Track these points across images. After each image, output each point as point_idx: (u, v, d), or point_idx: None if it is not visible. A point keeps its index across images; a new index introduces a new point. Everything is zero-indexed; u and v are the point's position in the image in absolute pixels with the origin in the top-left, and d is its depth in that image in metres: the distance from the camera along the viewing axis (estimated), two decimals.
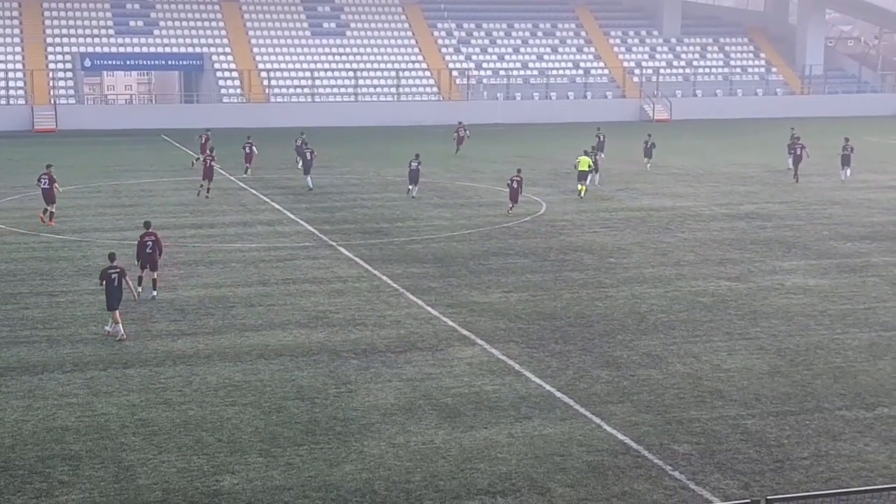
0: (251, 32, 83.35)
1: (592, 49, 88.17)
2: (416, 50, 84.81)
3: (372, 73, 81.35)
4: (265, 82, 78.80)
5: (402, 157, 53.15)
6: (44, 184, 35.06)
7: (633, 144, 52.53)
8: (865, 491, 11.04)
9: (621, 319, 23.18)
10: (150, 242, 24.91)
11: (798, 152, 46.57)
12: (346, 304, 24.39)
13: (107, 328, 21.92)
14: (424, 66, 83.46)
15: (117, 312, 21.65)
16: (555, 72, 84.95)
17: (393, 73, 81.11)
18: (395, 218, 36.39)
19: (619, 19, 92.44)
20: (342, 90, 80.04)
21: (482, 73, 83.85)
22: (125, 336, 21.48)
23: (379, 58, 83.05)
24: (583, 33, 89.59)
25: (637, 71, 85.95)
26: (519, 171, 38.19)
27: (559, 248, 31.19)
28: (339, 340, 21.48)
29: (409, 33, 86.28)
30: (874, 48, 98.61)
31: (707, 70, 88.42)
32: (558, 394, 18.25)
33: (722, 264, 28.83)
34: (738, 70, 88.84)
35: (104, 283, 21.71)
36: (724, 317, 23.37)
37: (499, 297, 25.13)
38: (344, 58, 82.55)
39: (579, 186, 41.33)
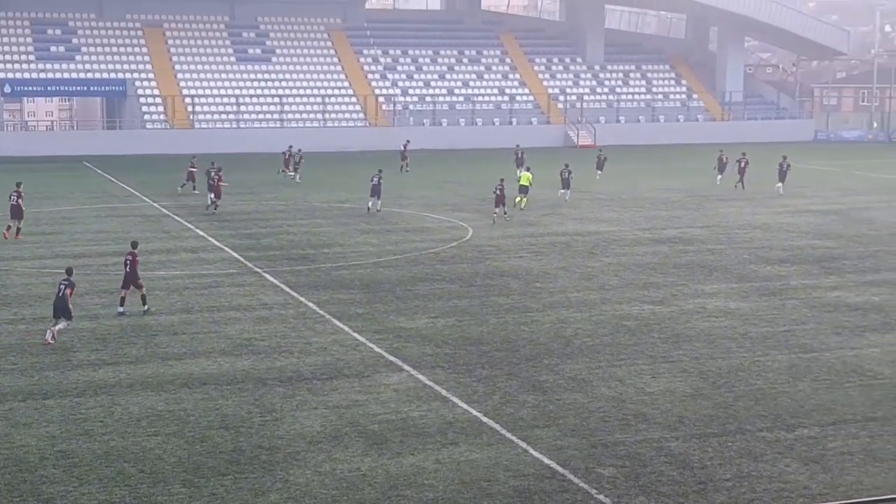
0: (175, 58, 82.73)
1: (517, 75, 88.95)
2: (343, 76, 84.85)
3: (298, 100, 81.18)
4: (189, 108, 78.18)
5: (328, 182, 53.07)
6: (13, 200, 37.20)
7: (557, 170, 52.97)
8: None
9: (547, 343, 23.31)
10: (128, 260, 25.73)
11: (742, 165, 52.15)
12: (271, 332, 24.21)
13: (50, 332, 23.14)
14: (350, 92, 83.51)
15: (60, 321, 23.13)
16: (480, 98, 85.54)
17: (319, 100, 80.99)
18: (322, 244, 36.27)
19: (544, 46, 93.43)
20: (268, 116, 79.71)
21: (408, 99, 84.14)
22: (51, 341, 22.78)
23: (305, 84, 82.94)
24: (508, 60, 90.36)
25: (561, 97, 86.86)
26: (502, 180, 42.69)
27: (485, 273, 31.31)
28: (265, 368, 21.30)
29: (335, 59, 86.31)
30: (792, 75, 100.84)
31: (630, 96, 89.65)
32: (485, 419, 18.28)
33: (645, 288, 29.16)
34: (661, 96, 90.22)
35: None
36: (648, 340, 23.62)
37: (425, 323, 25.13)
38: (269, 84, 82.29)
39: (517, 198, 44.14)
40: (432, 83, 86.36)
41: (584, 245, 36.21)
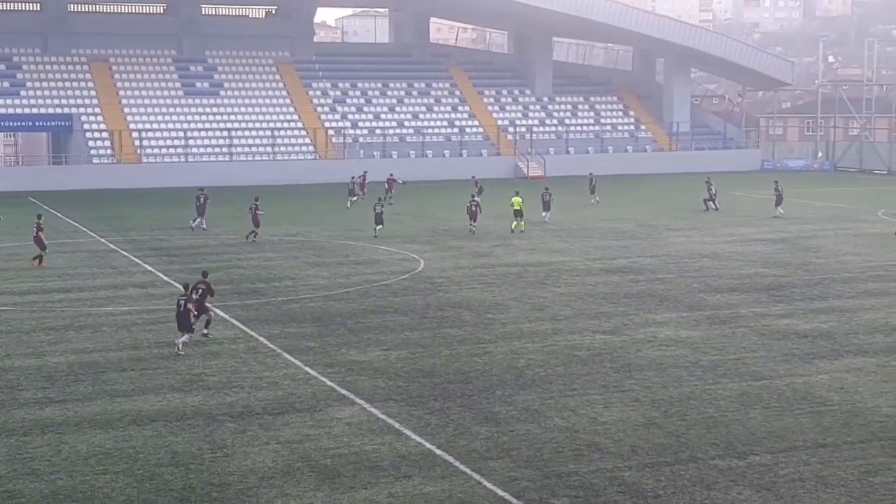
0: (122, 92, 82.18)
1: (467, 108, 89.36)
2: (292, 109, 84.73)
3: (246, 133, 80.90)
4: (137, 143, 77.65)
5: (279, 216, 52.82)
6: (34, 232, 39.29)
7: (507, 201, 53.20)
8: None
9: (500, 375, 23.28)
10: (201, 289, 26.44)
11: (713, 190, 56.52)
12: (221, 367, 23.96)
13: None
14: (300, 125, 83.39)
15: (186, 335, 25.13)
16: (430, 130, 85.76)
17: (268, 133, 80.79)
18: (272, 278, 36.04)
19: (493, 79, 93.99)
20: (216, 150, 79.34)
21: (358, 131, 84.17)
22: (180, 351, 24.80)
23: (253, 117, 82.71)
24: (457, 92, 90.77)
25: (511, 129, 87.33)
26: (473, 196, 47.88)
27: (438, 304, 31.26)
28: (215, 403, 21.07)
29: (284, 93, 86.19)
30: (738, 105, 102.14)
31: (579, 127, 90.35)
32: (438, 451, 18.19)
33: (597, 318, 29.26)
34: (609, 127, 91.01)
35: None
36: (600, 370, 23.67)
37: (378, 356, 25.02)
38: (218, 117, 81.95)
39: (514, 224, 47.61)
40: (382, 115, 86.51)
41: (535, 275, 36.30)
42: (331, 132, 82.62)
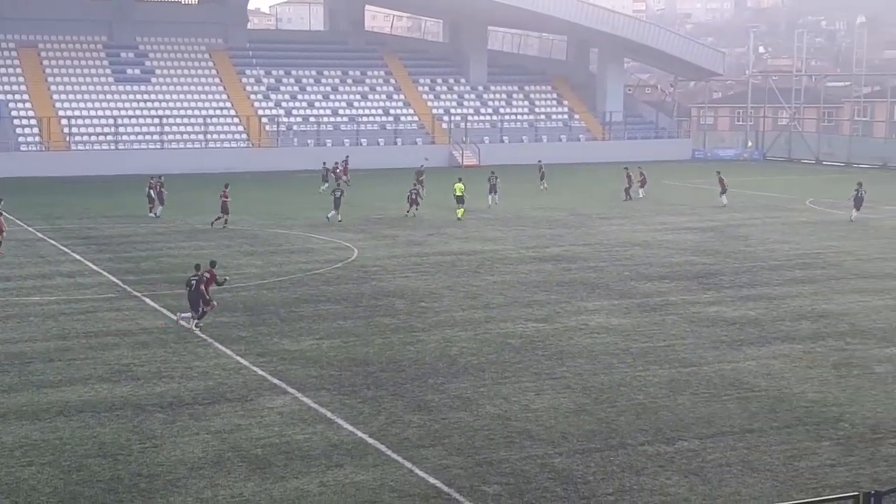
0: (51, 79, 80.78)
1: (402, 96, 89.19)
2: (225, 97, 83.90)
3: (178, 121, 79.97)
4: (66, 130, 76.40)
5: (209, 204, 52.31)
6: None
7: (444, 188, 53.23)
8: None
9: (432, 363, 23.31)
10: (193, 282, 26.59)
11: (643, 177, 57.89)
12: (151, 357, 23.71)
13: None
14: (233, 112, 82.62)
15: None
16: (365, 118, 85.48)
17: (200, 120, 79.95)
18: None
19: (428, 67, 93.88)
20: (147, 137, 78.34)
21: (292, 119, 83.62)
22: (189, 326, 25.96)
23: (185, 105, 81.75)
24: (392, 80, 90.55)
25: (446, 117, 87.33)
26: (415, 183, 50.49)
27: (371, 293, 31.21)
28: (144, 394, 20.84)
29: (217, 80, 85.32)
30: (670, 95, 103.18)
31: (513, 117, 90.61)
32: (370, 440, 18.17)
33: (530, 306, 29.41)
34: (543, 117, 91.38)
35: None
36: (533, 357, 23.81)
37: (310, 345, 24.92)
38: (149, 104, 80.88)
39: (458, 211, 48.04)
40: (316, 103, 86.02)
41: (469, 264, 36.38)
42: (264, 120, 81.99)
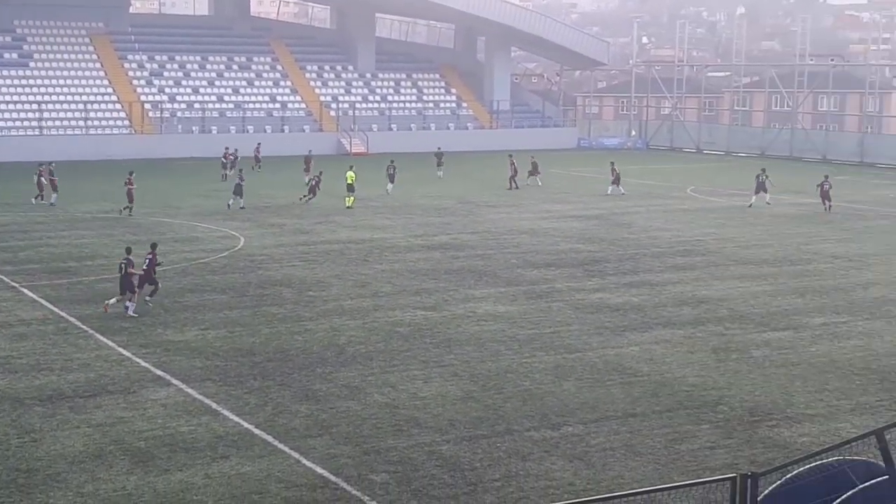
0: None
1: (289, 83, 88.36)
2: (106, 82, 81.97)
3: (58, 106, 77.90)
4: None
5: (91, 192, 51.14)
6: None
7: (333, 176, 52.89)
8: None
9: (320, 352, 23.21)
10: (148, 259, 27.32)
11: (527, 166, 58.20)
12: (30, 349, 23.10)
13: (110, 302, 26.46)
14: (115, 98, 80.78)
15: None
16: (251, 105, 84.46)
17: (80, 106, 78.00)
18: (85, 256, 34.90)
19: (315, 54, 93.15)
20: (25, 124, 76.14)
21: (176, 106, 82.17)
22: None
23: (65, 90, 79.65)
24: (279, 67, 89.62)
25: (334, 105, 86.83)
26: (320, 173, 50.41)
27: (258, 282, 30.90)
28: (23, 387, 20.29)
29: (98, 65, 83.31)
30: (556, 84, 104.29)
31: (401, 104, 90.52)
32: (257, 431, 18.01)
33: (418, 294, 29.47)
34: (431, 105, 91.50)
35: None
36: (421, 345, 23.87)
37: (195, 335, 24.57)
38: (27, 90, 78.57)
39: (348, 199, 47.82)
40: (201, 90, 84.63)
41: (357, 252, 36.28)
42: (147, 106, 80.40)
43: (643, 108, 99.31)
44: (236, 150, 64.01)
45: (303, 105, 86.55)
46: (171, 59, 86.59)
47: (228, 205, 47.02)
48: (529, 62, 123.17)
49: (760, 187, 50.33)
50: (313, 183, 49.55)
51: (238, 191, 47.29)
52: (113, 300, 26.79)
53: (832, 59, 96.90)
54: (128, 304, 26.53)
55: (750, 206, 49.56)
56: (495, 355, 23.09)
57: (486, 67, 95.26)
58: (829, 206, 48.41)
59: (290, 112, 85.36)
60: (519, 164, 57.88)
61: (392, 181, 53.93)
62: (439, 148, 66.81)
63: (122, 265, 26.87)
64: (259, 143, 69.08)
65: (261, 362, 22.34)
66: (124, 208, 44.73)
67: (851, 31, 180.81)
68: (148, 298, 27.25)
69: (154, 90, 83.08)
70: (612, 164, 57.19)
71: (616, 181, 54.97)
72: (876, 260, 35.51)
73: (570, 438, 17.81)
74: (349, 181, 48.55)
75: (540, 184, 58.10)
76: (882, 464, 9.74)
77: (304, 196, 48.90)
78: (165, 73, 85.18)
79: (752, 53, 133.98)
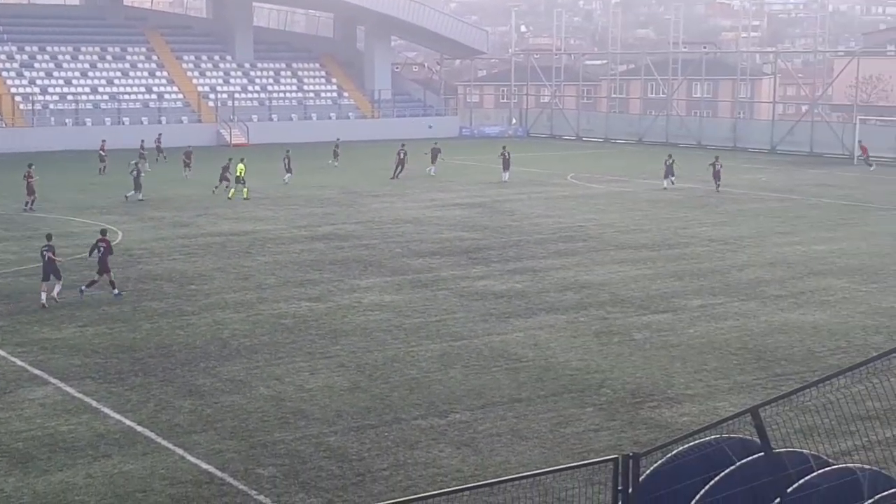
0: None
1: (165, 73, 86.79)
2: None
3: None
4: None
5: None
6: None
7: (212, 168, 52.15)
8: (439, 494, 11.54)
9: (203, 347, 22.89)
10: (102, 247, 27.42)
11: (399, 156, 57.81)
12: None
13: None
14: None
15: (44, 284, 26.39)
16: (126, 96, 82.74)
17: None
18: None
19: (192, 44, 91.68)
20: None
21: (48, 98, 80.00)
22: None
23: None
24: (154, 57, 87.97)
25: (212, 95, 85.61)
26: (230, 159, 49.28)
27: (137, 277, 30.32)
28: None
29: None
30: (436, 73, 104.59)
31: (281, 95, 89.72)
32: (139, 428, 17.68)
33: (302, 285, 29.28)
34: (312, 94, 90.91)
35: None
36: (306, 337, 23.73)
37: (73, 332, 23.99)
38: None
39: (233, 190, 47.54)
40: (74, 81, 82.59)
41: (239, 245, 35.86)
42: (18, 98, 78.09)
43: (523, 96, 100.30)
44: (143, 141, 63.50)
45: (180, 96, 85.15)
46: (42, 49, 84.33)
47: (126, 197, 46.64)
48: (410, 51, 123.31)
49: (668, 171, 52.61)
50: (226, 173, 48.91)
51: (136, 183, 46.83)
52: (52, 292, 26.58)
53: (705, 47, 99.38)
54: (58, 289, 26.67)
55: (664, 188, 51.74)
56: (382, 345, 23.08)
57: (366, 56, 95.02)
58: (719, 186, 51.01)
59: (168, 103, 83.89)
60: (410, 154, 57.92)
61: (289, 171, 53.88)
62: (338, 139, 68.05)
63: (44, 252, 26.79)
64: (160, 134, 68.14)
65: (142, 358, 21.93)
66: (27, 203, 43.80)
67: (723, 19, 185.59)
68: (84, 288, 27.34)
69: (25, 82, 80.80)
70: (504, 148, 57.95)
71: (506, 167, 55.74)
72: (750, 242, 36.53)
73: (457, 425, 17.91)
74: (239, 173, 47.99)
75: (433, 173, 58.19)
76: (758, 440, 10.03)
77: (217, 186, 48.61)
78: (36, 65, 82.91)
79: (627, 41, 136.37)
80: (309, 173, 58.25)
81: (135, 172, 47.04)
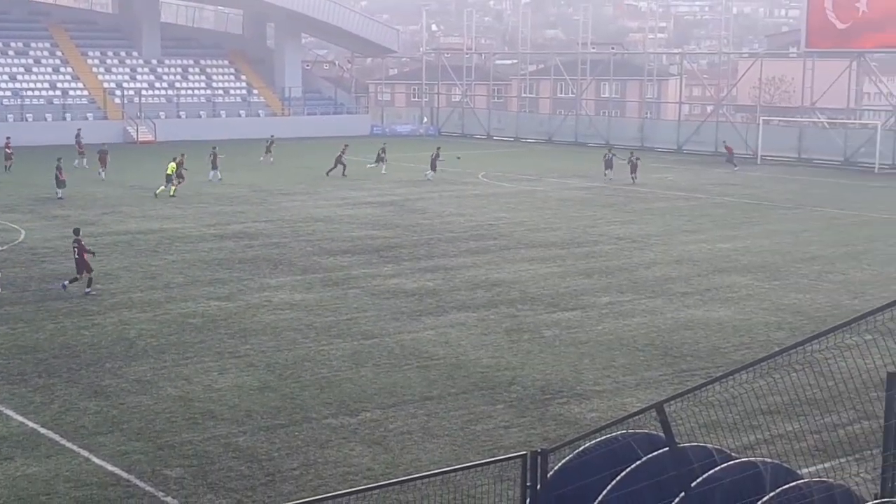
0: None
1: (70, 69, 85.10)
2: None
3: None
4: None
5: None
6: None
7: (119, 167, 51.38)
8: (350, 493, 11.50)
9: (109, 347, 22.51)
10: (75, 248, 27.65)
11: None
12: None
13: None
14: None
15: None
16: (30, 93, 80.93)
17: None
18: None
19: (97, 39, 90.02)
20: None
21: None
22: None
23: None
24: (59, 53, 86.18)
25: (119, 92, 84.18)
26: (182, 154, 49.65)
27: (41, 276, 29.70)
28: None
29: None
30: (347, 72, 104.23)
31: (190, 92, 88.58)
32: (43, 430, 17.32)
33: (211, 284, 28.96)
34: (221, 92, 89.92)
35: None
36: (215, 337, 23.48)
37: None
38: None
39: (162, 188, 47.25)
40: None
41: (146, 243, 35.34)
42: None
43: (434, 95, 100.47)
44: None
45: (85, 92, 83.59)
46: None
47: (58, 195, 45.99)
48: (321, 49, 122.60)
49: (608, 164, 56.60)
50: (183, 169, 48.80)
51: (58, 181, 46.02)
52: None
53: (613, 48, 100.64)
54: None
55: (611, 179, 55.41)
56: (292, 344, 22.94)
57: (276, 54, 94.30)
58: (635, 178, 54.56)
59: (72, 99, 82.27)
60: (346, 154, 58.07)
61: (216, 168, 53.58)
62: (272, 135, 67.98)
63: (74, 247, 27.68)
64: (79, 129, 66.63)
65: (46, 359, 21.49)
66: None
67: (630, 21, 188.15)
68: (66, 283, 27.74)
69: None
70: (438, 149, 59.24)
71: (433, 166, 56.27)
72: (657, 240, 37.10)
73: (368, 424, 17.89)
74: (169, 171, 47.82)
75: (384, 171, 58.63)
76: (663, 435, 10.19)
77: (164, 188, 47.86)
78: None
79: (537, 42, 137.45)
80: (230, 171, 57.62)
81: (56, 171, 46.18)
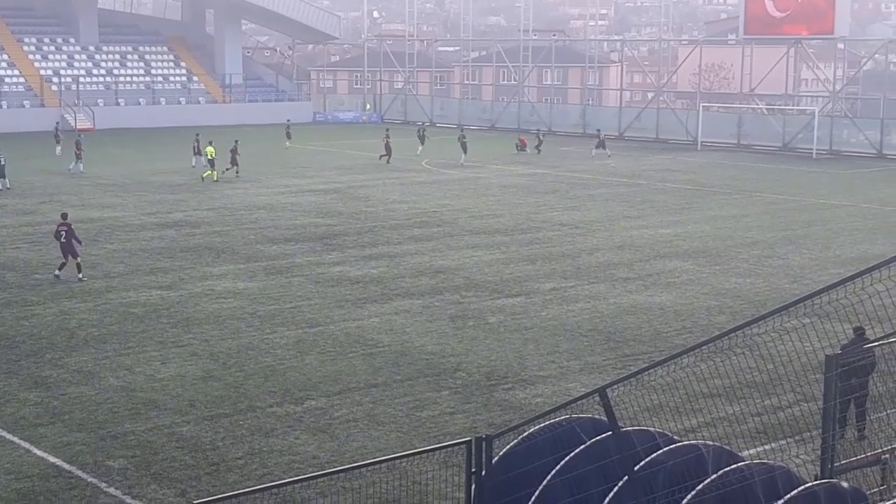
0: None
1: (5, 56, 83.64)
2: None
3: None
4: None
5: None
6: None
7: (45, 154, 50.66)
8: (295, 481, 11.50)
9: (49, 337, 22.24)
10: (63, 232, 27.38)
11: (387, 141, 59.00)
12: None
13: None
14: None
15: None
16: None
17: None
18: None
19: (33, 25, 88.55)
20: None
21: None
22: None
23: None
24: None
25: (56, 79, 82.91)
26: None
27: None
28: None
29: None
30: (289, 58, 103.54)
31: (128, 78, 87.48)
32: None
33: (153, 273, 28.69)
34: (160, 79, 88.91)
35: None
36: (157, 326, 23.28)
37: None
38: None
39: (209, 173, 48.77)
40: None
41: (86, 232, 34.82)
42: None
43: (377, 82, 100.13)
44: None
45: (21, 79, 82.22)
46: None
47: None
48: (261, 35, 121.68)
49: (601, 144, 61.67)
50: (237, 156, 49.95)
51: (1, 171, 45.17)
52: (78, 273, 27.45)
53: (554, 35, 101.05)
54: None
55: (609, 156, 59.48)
56: (236, 332, 22.82)
57: (216, 40, 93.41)
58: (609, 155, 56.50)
59: (8, 87, 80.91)
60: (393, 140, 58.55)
61: (198, 153, 53.55)
62: (288, 120, 69.57)
63: (60, 231, 27.52)
64: (57, 122, 66.69)
65: None
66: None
67: (571, 8, 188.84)
68: (57, 272, 27.73)
69: None
70: (387, 130, 59.35)
71: (387, 154, 56.50)
72: (599, 227, 37.35)
73: (313, 412, 17.85)
74: (210, 156, 49.10)
75: (419, 153, 59.97)
76: (607, 420, 10.30)
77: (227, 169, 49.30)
78: None
79: (479, 28, 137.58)
80: (168, 160, 57.05)
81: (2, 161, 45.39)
